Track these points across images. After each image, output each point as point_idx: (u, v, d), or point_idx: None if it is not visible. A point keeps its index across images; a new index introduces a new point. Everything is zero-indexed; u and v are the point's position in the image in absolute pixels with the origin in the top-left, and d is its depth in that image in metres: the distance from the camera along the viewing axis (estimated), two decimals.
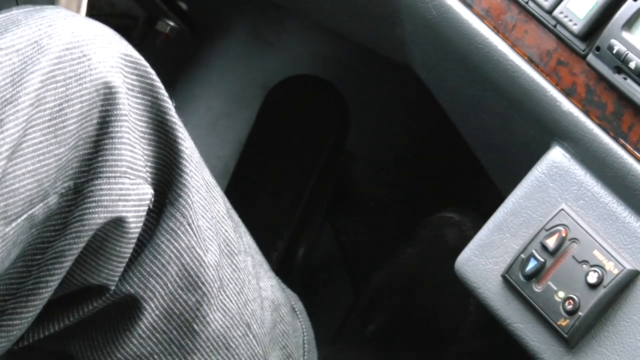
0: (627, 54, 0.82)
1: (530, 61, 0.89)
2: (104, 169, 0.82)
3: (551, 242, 0.85)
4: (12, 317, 0.83)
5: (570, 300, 0.83)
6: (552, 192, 0.87)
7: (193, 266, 0.89)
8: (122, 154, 0.83)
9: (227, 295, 0.93)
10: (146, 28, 1.57)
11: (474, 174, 1.34)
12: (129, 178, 0.83)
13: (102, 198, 0.82)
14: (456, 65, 0.97)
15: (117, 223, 0.83)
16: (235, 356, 0.95)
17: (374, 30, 1.21)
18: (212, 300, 0.91)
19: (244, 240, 0.99)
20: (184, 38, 1.62)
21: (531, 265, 0.85)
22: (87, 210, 0.81)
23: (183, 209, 0.87)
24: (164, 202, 0.88)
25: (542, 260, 0.85)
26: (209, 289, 0.90)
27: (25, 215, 0.78)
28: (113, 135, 0.82)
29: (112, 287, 0.86)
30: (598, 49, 0.84)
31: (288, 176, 1.61)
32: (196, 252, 0.89)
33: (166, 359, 0.91)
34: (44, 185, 0.79)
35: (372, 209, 1.62)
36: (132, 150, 0.84)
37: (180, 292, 0.89)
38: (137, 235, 0.85)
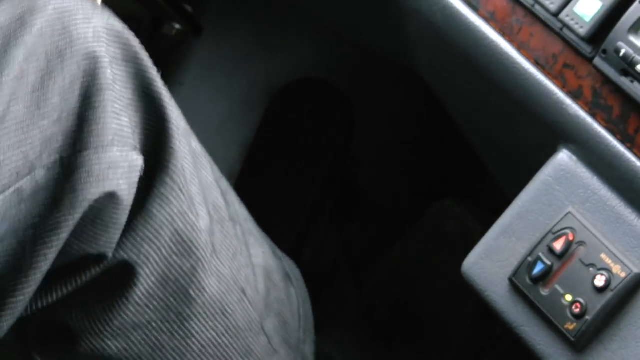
0: (633, 57, 0.82)
1: (537, 64, 0.89)
2: (91, 140, 0.82)
3: (558, 246, 0.85)
4: (14, 293, 0.84)
5: (577, 304, 0.83)
6: (559, 195, 0.87)
7: (186, 231, 0.89)
8: (107, 124, 0.83)
9: (220, 262, 0.93)
10: (151, 31, 1.57)
11: (480, 177, 1.34)
12: (117, 147, 0.84)
13: (93, 168, 0.82)
14: (461, 68, 0.97)
15: (111, 194, 0.83)
16: (232, 322, 0.95)
17: (379, 33, 1.21)
18: (206, 266, 0.91)
19: (233, 209, 0.99)
20: (188, 40, 1.62)
21: (538, 268, 0.85)
22: (79, 182, 0.82)
23: (173, 175, 0.88)
24: (154, 168, 0.88)
25: (549, 263, 0.85)
26: (203, 254, 0.90)
27: (12, 189, 0.79)
28: (97, 105, 0.83)
29: (110, 255, 0.87)
30: (605, 51, 0.84)
31: (293, 179, 1.61)
32: (189, 217, 0.89)
33: (164, 326, 0.91)
34: (30, 157, 0.79)
35: (377, 213, 1.62)
36: (118, 119, 0.84)
37: (175, 257, 0.89)
38: (131, 202, 0.85)
